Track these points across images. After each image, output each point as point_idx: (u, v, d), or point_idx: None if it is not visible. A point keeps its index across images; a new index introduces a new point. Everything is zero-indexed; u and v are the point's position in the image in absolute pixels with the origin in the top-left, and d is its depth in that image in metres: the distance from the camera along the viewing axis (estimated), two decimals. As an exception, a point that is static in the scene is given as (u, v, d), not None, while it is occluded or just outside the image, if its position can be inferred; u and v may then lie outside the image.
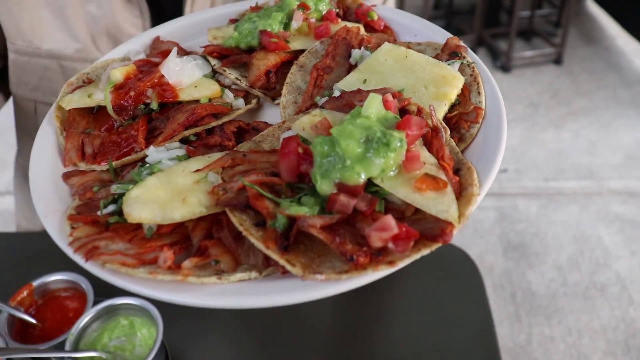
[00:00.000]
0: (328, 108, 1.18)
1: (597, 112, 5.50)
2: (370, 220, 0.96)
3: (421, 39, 1.44)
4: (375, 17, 1.45)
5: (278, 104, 1.33)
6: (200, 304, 0.87)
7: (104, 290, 1.59)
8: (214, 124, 1.19)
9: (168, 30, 1.55)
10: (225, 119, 1.22)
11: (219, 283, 0.91)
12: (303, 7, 1.40)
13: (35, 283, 1.66)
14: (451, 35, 1.40)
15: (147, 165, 1.10)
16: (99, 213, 1.04)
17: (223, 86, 1.33)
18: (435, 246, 0.92)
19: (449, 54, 1.35)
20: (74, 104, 1.25)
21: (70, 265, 1.71)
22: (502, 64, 6.33)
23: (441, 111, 1.19)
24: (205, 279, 0.90)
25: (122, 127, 1.23)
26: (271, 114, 1.32)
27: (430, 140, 1.08)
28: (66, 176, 1.16)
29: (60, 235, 1.00)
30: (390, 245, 0.91)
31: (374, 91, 1.19)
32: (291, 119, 1.21)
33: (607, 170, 4.80)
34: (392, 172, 1.00)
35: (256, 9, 1.50)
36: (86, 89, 1.30)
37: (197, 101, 1.26)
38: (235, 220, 0.96)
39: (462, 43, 1.37)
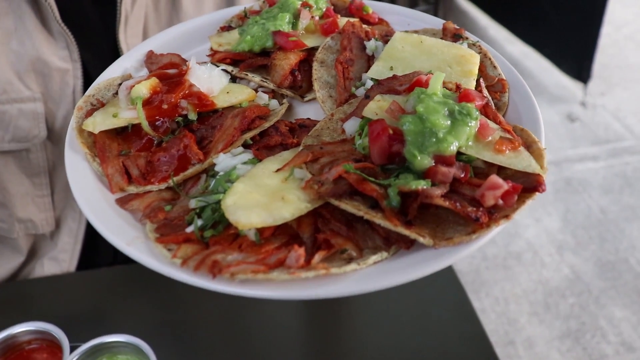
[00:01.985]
0: (372, 95, 1.21)
1: (486, 97, 6.09)
2: (468, 185, 1.01)
3: (414, 27, 1.52)
4: (370, 11, 1.51)
5: (308, 100, 1.32)
6: (362, 290, 0.85)
7: (73, 336, 1.44)
8: (266, 124, 1.16)
9: (151, 46, 1.45)
10: (274, 119, 1.18)
11: (359, 269, 0.89)
12: (306, 5, 1.41)
13: (-4, 339, 1.42)
14: (444, 21, 1.50)
15: (221, 173, 1.04)
16: (188, 230, 0.96)
17: (248, 90, 1.29)
18: (535, 196, 1.00)
19: (451, 36, 1.45)
20: (101, 126, 1.13)
21: (27, 315, 1.54)
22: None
23: (471, 86, 1.28)
24: (346, 267, 0.88)
25: (164, 142, 1.14)
26: (304, 111, 1.31)
27: (484, 110, 1.16)
28: (122, 202, 1.05)
29: (158, 260, 0.91)
30: (500, 201, 0.97)
31: (405, 76, 1.25)
32: (339, 110, 1.22)
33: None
34: (469, 141, 1.06)
35: (254, 12, 1.48)
36: (105, 110, 1.18)
37: (233, 107, 1.21)
38: (349, 208, 0.95)
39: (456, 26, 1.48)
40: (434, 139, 1.01)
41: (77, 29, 1.66)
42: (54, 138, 1.72)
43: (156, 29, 1.85)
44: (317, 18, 1.43)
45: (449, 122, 1.03)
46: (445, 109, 1.05)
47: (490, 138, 1.08)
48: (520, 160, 1.05)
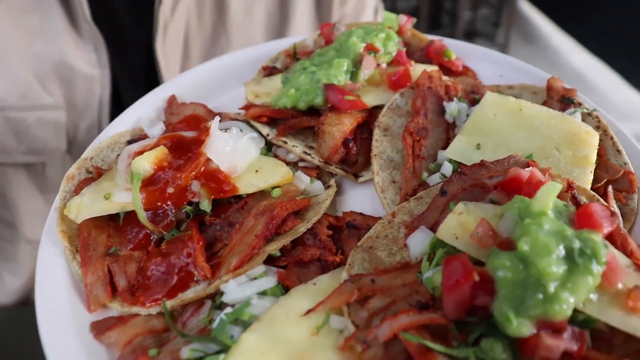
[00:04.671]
0: (452, 192, 0.88)
1: (547, 111, 5.53)
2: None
3: (508, 80, 1.17)
4: (454, 57, 1.16)
5: (364, 181, 1.01)
6: None
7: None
8: (302, 228, 0.86)
9: (175, 87, 1.17)
10: (313, 217, 0.88)
11: None
12: (371, 49, 1.08)
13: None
14: (549, 75, 1.14)
15: (230, 310, 0.75)
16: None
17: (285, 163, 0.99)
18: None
19: (559, 100, 1.09)
20: (86, 212, 0.87)
21: None
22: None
23: (587, 181, 0.93)
24: None
25: (166, 241, 0.86)
26: (357, 196, 1.00)
27: (611, 236, 0.81)
28: (98, 329, 0.78)
29: None
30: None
31: (498, 164, 0.91)
32: (402, 209, 0.90)
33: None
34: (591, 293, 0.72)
35: (304, 54, 1.17)
36: (98, 185, 0.91)
37: (263, 192, 0.92)
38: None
39: (566, 85, 1.12)
40: (540, 296, 0.68)
41: (109, 32, 1.45)
42: (74, 152, 1.53)
43: (199, 38, 1.60)
44: (384, 65, 1.10)
45: (563, 269, 0.69)
46: (561, 248, 0.71)
47: (620, 286, 0.73)
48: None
